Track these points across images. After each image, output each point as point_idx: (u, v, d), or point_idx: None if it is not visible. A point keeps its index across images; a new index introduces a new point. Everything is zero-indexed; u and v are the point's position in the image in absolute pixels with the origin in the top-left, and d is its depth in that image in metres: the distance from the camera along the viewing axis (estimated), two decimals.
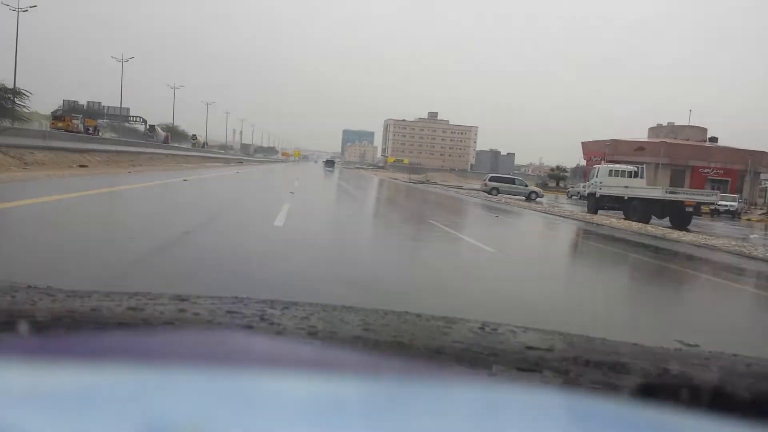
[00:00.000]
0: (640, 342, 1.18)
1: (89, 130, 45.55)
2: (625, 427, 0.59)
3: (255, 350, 0.82)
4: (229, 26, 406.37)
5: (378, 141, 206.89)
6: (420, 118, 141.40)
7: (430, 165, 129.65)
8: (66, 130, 35.72)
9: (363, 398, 0.57)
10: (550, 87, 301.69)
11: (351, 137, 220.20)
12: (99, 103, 65.33)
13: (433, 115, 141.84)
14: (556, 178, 77.10)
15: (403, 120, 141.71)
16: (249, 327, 1.02)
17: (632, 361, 0.99)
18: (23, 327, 0.87)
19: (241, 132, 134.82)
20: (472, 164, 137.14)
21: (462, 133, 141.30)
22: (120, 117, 65.01)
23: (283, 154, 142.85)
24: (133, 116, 67.11)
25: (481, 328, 1.17)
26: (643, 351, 1.10)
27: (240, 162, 63.86)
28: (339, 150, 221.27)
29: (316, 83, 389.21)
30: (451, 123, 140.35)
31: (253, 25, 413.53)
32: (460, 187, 47.17)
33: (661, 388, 0.86)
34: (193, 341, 0.90)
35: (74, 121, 45.03)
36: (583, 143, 54.14)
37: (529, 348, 1.02)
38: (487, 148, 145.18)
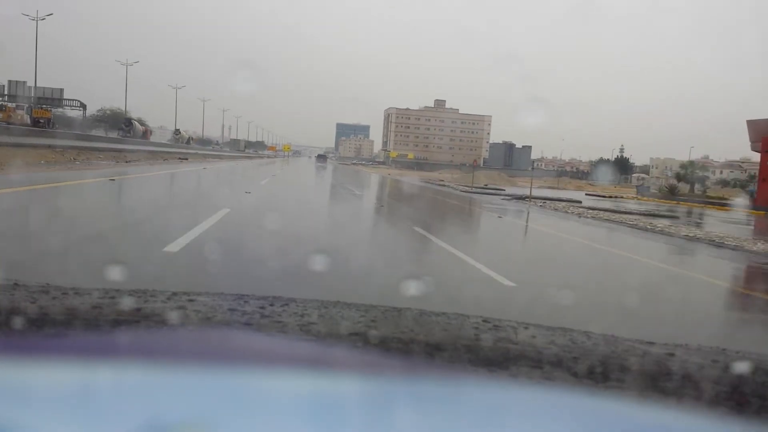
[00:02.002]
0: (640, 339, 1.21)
1: (40, 122, 38.39)
2: (626, 426, 0.59)
3: (256, 348, 0.84)
4: (214, 17, 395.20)
5: (374, 134, 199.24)
6: (426, 107, 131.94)
7: (438, 160, 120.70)
8: (8, 123, 29.42)
9: (364, 397, 0.57)
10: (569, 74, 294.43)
11: (345, 131, 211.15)
12: (24, 82, 52.55)
13: (440, 103, 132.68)
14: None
15: (407, 109, 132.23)
16: (249, 324, 1.05)
17: (633, 358, 1.03)
18: (24, 325, 0.89)
19: (228, 127, 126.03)
20: (485, 158, 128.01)
21: (474, 123, 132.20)
22: (51, 100, 51.66)
23: (269, 148, 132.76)
24: (68, 99, 54.24)
25: (482, 325, 1.19)
26: (644, 348, 1.14)
27: (183, 159, 40.76)
28: (333, 144, 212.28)
29: (306, 74, 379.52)
30: (461, 112, 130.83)
31: (240, 15, 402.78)
32: (576, 203, 24.13)
33: (662, 386, 0.89)
34: (194, 339, 0.94)
35: (18, 112, 38.57)
36: (750, 122, 39.75)
37: (531, 346, 1.05)
38: (499, 140, 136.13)
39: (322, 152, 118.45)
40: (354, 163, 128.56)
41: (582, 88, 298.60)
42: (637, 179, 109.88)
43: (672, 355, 1.09)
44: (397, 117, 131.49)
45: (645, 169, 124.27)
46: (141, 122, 55.67)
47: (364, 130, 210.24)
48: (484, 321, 1.23)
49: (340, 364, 0.80)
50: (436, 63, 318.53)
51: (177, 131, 69.62)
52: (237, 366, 0.65)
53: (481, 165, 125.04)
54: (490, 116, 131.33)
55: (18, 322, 0.90)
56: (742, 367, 1.02)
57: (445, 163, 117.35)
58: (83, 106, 54.79)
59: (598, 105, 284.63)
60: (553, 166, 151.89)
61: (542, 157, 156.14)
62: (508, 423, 0.57)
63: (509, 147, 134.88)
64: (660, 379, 0.93)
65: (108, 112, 56.88)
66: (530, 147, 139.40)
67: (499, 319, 1.27)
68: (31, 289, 1.20)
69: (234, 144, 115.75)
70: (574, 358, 0.99)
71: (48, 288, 1.23)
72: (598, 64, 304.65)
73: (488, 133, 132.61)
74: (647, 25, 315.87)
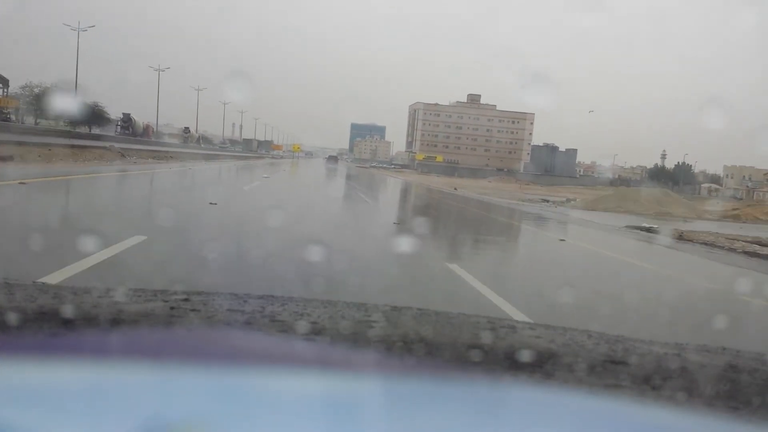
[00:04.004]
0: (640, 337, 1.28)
1: (4, 113, 33.91)
2: (626, 426, 0.61)
3: (255, 348, 0.88)
4: (220, 13, 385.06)
5: (390, 135, 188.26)
6: (458, 102, 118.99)
7: (471, 164, 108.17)
8: None
9: (364, 396, 0.58)
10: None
11: (360, 132, 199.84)
12: None
13: (474, 99, 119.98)
14: None
15: (436, 104, 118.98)
16: (249, 324, 1.08)
17: (634, 357, 1.06)
18: (23, 324, 0.92)
19: (239, 125, 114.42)
20: (525, 163, 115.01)
21: (514, 122, 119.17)
22: None
23: (274, 147, 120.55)
24: None
25: (483, 324, 1.24)
26: (645, 347, 1.18)
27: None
28: (347, 146, 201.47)
29: (320, 74, 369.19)
30: (498, 109, 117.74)
31: (247, 12, 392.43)
32: None
33: (662, 385, 0.92)
34: (194, 339, 0.97)
35: None
36: None
37: (532, 345, 1.07)
38: (539, 142, 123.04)
39: (334, 153, 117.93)
40: (373, 166, 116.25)
41: (616, 90, 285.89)
42: (709, 190, 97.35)
43: (673, 354, 1.13)
44: (425, 113, 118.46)
45: (709, 178, 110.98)
46: (96, 106, 44.61)
47: (380, 131, 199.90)
48: (486, 320, 1.26)
49: (340, 364, 0.82)
50: (455, 63, 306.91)
51: (186, 129, 67.26)
52: (237, 366, 0.66)
53: (521, 170, 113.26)
54: (533, 114, 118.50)
55: (17, 321, 0.92)
56: (742, 367, 1.05)
57: (479, 167, 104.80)
58: (4, 83, 40.86)
59: (636, 109, 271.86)
60: (592, 172, 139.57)
61: (579, 162, 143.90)
62: (508, 423, 0.58)
63: (552, 150, 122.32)
64: (661, 378, 0.95)
65: (37, 89, 44.17)
66: (575, 150, 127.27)
67: (500, 318, 1.30)
68: (30, 288, 1.23)
69: (247, 144, 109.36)
70: (574, 357, 1.01)
71: (45, 287, 1.24)
72: (633, 64, 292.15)
73: (530, 134, 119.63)
74: (683, 26, 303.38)
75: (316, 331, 1.03)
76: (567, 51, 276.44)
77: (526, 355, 0.98)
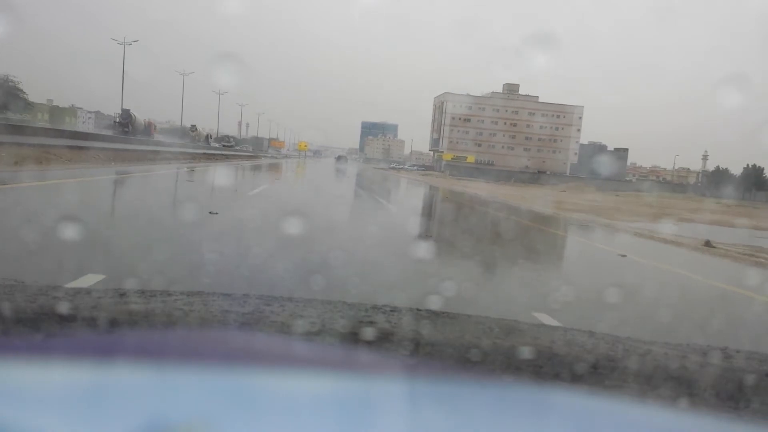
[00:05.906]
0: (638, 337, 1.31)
1: None
2: (626, 426, 0.62)
3: (255, 348, 0.89)
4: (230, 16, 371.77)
5: (402, 134, 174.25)
6: (493, 93, 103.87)
7: (507, 165, 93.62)
8: None
9: (363, 396, 0.60)
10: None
11: (371, 130, 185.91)
12: None
13: (511, 88, 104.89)
14: None
15: (467, 95, 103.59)
16: (248, 324, 1.10)
17: (634, 358, 1.08)
18: (24, 325, 0.93)
19: (246, 124, 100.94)
20: (572, 164, 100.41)
21: (560, 116, 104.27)
22: None
23: (273, 144, 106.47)
24: None
25: (485, 324, 1.27)
26: (645, 347, 1.21)
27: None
28: (357, 145, 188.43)
29: (328, 72, 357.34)
30: (541, 101, 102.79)
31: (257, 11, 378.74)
32: None
33: (662, 385, 0.94)
34: (194, 339, 0.98)
35: None
36: None
37: (532, 345, 1.08)
38: (585, 141, 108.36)
39: (343, 153, 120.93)
40: (392, 167, 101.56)
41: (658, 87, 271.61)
42: None
43: (673, 354, 1.15)
44: (454, 106, 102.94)
45: None
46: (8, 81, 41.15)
47: (392, 129, 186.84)
48: (486, 320, 1.28)
49: (340, 364, 0.83)
50: (467, 59, 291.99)
51: (193, 127, 65.98)
52: (237, 366, 0.67)
53: (566, 173, 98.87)
54: (581, 107, 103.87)
55: (18, 322, 0.93)
56: (742, 367, 1.08)
57: (518, 169, 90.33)
58: None
59: (679, 106, 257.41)
60: (634, 175, 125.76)
61: (633, 164, 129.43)
62: (508, 423, 0.59)
63: (600, 149, 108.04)
64: (661, 378, 0.96)
65: None
66: (626, 151, 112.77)
67: (501, 319, 1.33)
68: (31, 289, 1.24)
69: (257, 143, 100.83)
70: (575, 357, 1.02)
71: (44, 288, 1.27)
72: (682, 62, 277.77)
73: (578, 130, 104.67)
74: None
75: (316, 331, 1.03)
76: (577, 41, 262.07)
77: (526, 355, 0.98)
